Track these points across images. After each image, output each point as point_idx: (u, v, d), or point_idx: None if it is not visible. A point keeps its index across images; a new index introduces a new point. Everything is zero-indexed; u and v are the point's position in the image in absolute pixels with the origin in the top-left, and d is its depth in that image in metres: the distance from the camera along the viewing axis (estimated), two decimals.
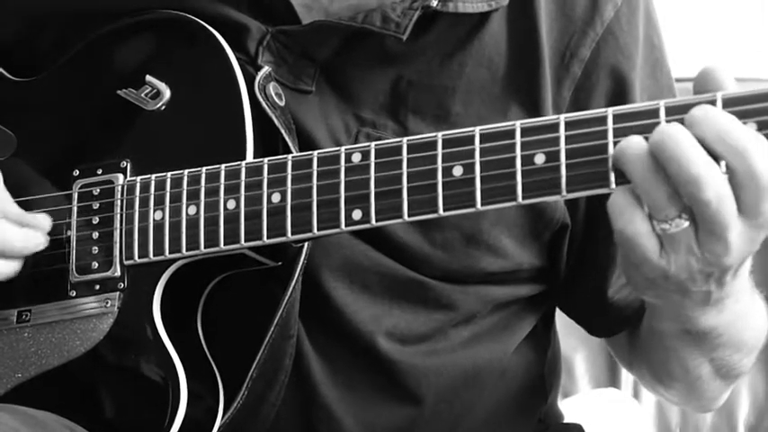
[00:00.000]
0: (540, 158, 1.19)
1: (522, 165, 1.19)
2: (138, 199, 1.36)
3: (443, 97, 1.40)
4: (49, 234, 1.39)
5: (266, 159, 1.30)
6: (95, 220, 1.38)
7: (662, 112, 1.15)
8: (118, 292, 1.36)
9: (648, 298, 1.28)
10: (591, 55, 1.42)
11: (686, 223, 1.14)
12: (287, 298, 1.34)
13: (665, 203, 1.13)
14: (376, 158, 1.25)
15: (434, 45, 1.40)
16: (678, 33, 2.09)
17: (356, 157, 1.26)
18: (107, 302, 1.36)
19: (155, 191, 1.35)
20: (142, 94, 1.39)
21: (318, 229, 1.27)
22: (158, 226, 1.34)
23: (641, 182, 1.13)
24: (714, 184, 1.11)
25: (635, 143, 1.13)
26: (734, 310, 1.27)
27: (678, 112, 1.15)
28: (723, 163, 1.13)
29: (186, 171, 1.33)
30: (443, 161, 1.23)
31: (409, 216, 1.23)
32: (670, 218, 1.14)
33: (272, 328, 1.34)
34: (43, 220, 1.39)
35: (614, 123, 1.17)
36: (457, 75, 1.40)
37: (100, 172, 1.39)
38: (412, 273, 1.40)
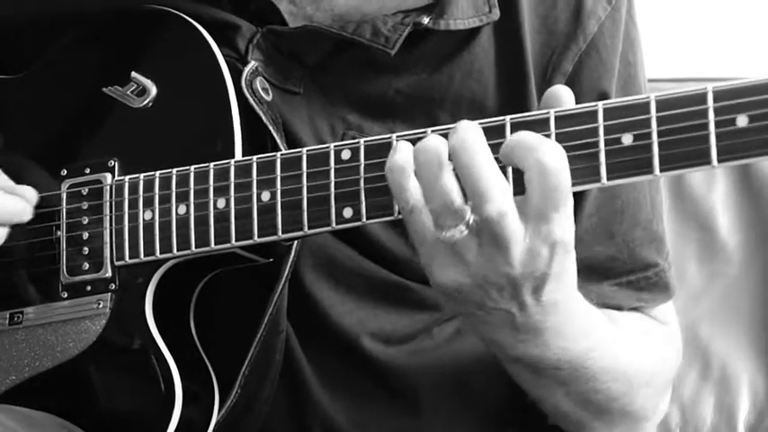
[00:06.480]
0: None
1: None
2: (126, 200, 1.35)
3: (432, 107, 1.40)
4: (39, 235, 1.39)
5: (255, 157, 1.29)
6: (85, 220, 1.37)
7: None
8: (110, 293, 1.35)
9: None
10: (573, 68, 1.42)
11: (465, 230, 1.16)
12: (277, 295, 1.33)
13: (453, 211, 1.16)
14: (365, 156, 1.24)
15: (424, 59, 1.39)
16: (656, 34, 2.09)
17: (346, 155, 1.25)
18: (99, 303, 1.36)
19: (143, 191, 1.34)
20: (128, 92, 1.38)
21: (309, 228, 1.26)
22: (148, 226, 1.33)
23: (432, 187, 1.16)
24: (498, 199, 1.13)
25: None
26: (564, 347, 1.27)
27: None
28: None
29: (175, 170, 1.32)
30: None
31: (400, 213, 1.22)
32: (454, 225, 1.16)
33: (263, 325, 1.34)
34: (30, 192, 1.38)
35: (605, 118, 1.16)
36: (446, 86, 1.40)
37: (88, 171, 1.38)
38: (394, 276, 1.40)
